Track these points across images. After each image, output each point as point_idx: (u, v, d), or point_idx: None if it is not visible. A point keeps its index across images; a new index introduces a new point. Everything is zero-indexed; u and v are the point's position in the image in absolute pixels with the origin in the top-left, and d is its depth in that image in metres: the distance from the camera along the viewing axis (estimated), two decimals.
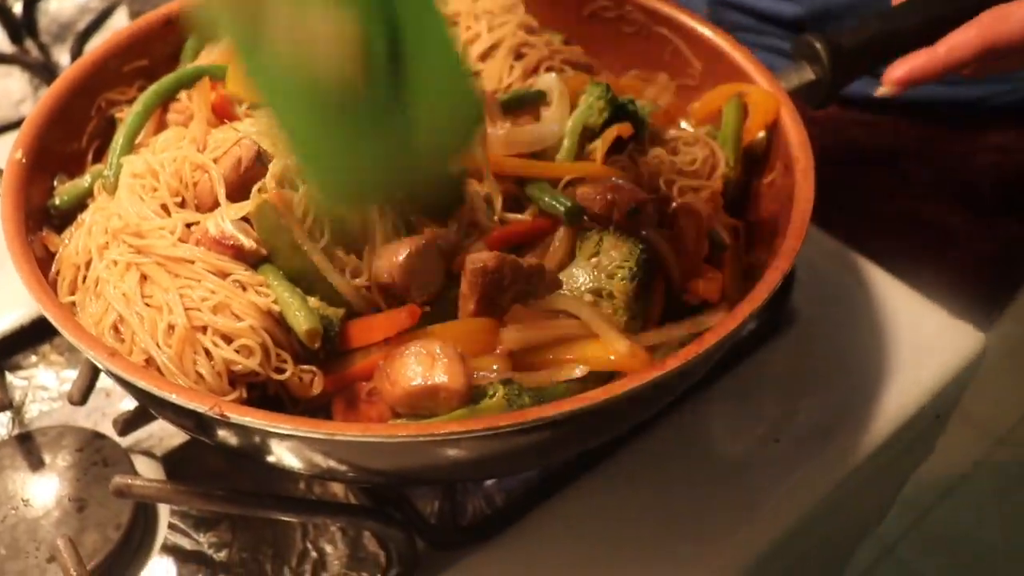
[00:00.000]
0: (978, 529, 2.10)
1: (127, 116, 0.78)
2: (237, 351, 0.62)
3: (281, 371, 0.63)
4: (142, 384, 0.59)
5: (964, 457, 2.21)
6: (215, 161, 0.69)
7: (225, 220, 0.66)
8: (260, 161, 0.69)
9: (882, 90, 0.78)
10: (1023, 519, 2.12)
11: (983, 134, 1.09)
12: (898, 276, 0.98)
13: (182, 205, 0.70)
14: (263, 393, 0.65)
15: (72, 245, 0.71)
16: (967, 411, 1.32)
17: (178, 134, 0.75)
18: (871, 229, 1.07)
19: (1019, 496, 2.16)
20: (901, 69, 0.76)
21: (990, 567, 2.04)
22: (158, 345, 0.62)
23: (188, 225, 0.67)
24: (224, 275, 0.64)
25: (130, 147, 0.76)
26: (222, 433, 0.61)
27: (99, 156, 0.82)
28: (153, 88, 0.79)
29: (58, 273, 0.71)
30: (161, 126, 0.80)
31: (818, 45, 0.80)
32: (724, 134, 0.79)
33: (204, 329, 0.62)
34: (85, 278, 0.69)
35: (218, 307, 0.63)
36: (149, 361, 0.63)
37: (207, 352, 0.62)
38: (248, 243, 0.65)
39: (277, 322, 0.63)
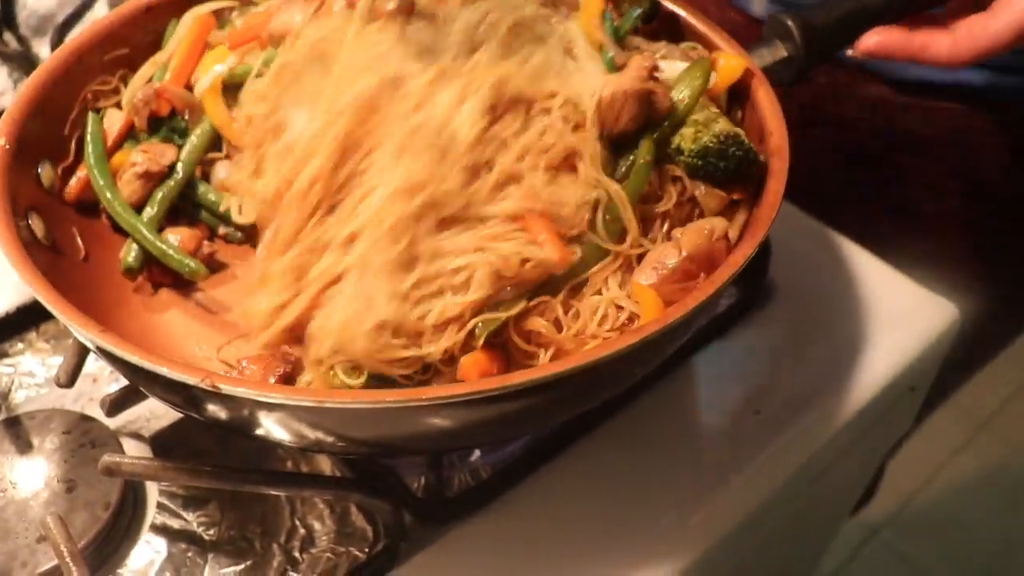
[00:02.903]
0: (962, 513, 2.13)
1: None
2: None
3: None
4: (132, 359, 0.59)
5: (948, 442, 2.24)
6: None
7: None
8: None
9: (851, 52, 0.80)
10: (1006, 503, 2.15)
11: None
12: (948, 283, 0.95)
13: None
14: None
15: None
16: (950, 396, 1.35)
17: None
18: (920, 230, 1.04)
19: (1002, 480, 2.20)
20: (873, 41, 0.78)
21: (973, 550, 2.07)
22: None
23: None
24: None
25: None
26: (212, 407, 0.62)
27: (82, 143, 0.82)
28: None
29: None
30: None
31: (789, 23, 0.82)
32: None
33: None
34: None
35: None
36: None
37: None
38: None
39: None
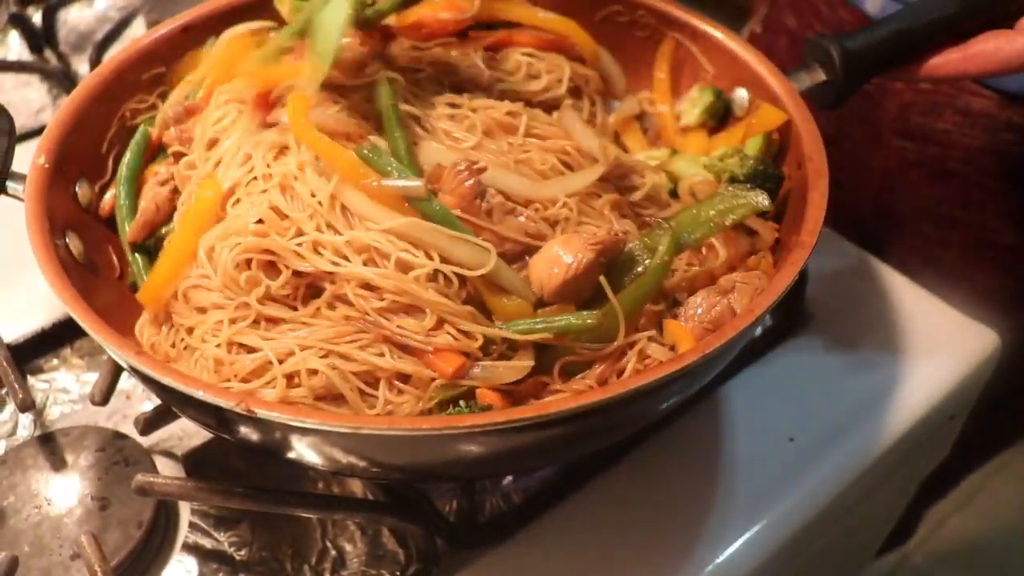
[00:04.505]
0: (995, 539, 2.09)
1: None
2: None
3: None
4: (167, 381, 0.59)
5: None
6: None
7: None
8: None
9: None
10: None
11: None
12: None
13: None
14: None
15: None
16: None
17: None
18: (993, 264, 0.97)
19: None
20: (931, 66, 0.77)
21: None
22: None
23: None
24: None
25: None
26: (245, 430, 0.62)
27: (119, 161, 0.83)
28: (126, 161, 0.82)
29: None
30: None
31: (829, 47, 0.81)
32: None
33: None
34: None
35: None
36: None
37: None
38: None
39: None
